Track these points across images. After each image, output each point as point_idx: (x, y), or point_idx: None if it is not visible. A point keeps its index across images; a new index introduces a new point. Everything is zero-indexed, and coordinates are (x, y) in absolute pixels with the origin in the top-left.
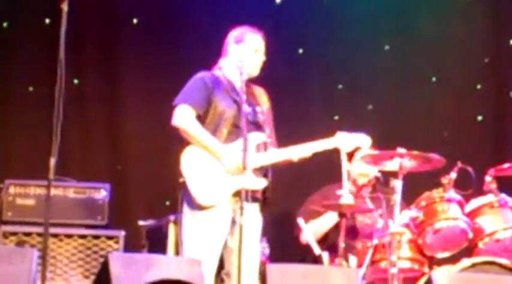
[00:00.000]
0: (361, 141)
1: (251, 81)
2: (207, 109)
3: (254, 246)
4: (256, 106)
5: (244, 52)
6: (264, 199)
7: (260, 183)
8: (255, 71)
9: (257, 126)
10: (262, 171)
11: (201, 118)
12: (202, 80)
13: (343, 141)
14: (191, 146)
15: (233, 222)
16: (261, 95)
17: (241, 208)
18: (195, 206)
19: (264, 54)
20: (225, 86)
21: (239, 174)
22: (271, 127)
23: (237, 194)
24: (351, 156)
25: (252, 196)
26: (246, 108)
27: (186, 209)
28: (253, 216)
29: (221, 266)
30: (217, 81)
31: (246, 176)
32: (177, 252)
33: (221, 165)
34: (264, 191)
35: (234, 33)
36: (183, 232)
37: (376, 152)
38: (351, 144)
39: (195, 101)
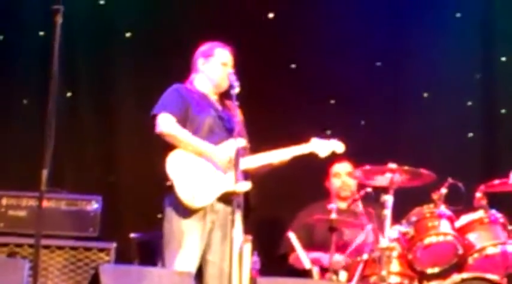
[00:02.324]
0: (335, 146)
1: (225, 95)
2: (185, 117)
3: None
4: (232, 115)
5: (213, 66)
6: (247, 206)
7: (243, 186)
8: (225, 83)
9: (237, 134)
10: (243, 176)
11: (181, 126)
12: (177, 91)
13: (318, 146)
14: (177, 150)
15: (210, 234)
16: (234, 108)
17: (233, 221)
18: (181, 211)
19: (232, 68)
20: (199, 97)
21: (232, 169)
22: (247, 139)
23: (221, 198)
24: (328, 173)
25: (232, 199)
26: (224, 116)
27: (170, 215)
28: (238, 225)
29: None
30: (191, 92)
31: (230, 179)
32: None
33: (207, 167)
34: (247, 197)
35: (203, 49)
36: (165, 239)
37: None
38: (326, 149)
39: (174, 109)
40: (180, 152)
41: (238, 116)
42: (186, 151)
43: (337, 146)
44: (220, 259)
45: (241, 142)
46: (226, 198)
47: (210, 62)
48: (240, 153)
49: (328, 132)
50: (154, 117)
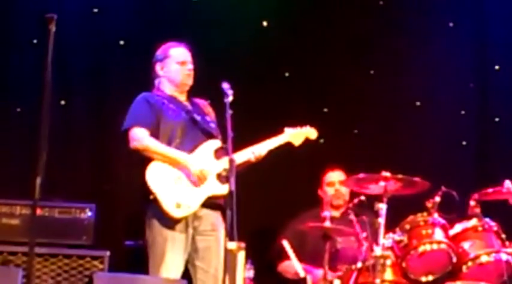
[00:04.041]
0: (308, 133)
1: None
2: (157, 125)
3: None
4: (204, 115)
5: (171, 67)
6: (226, 204)
7: (225, 188)
8: (189, 81)
9: (209, 134)
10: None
11: (154, 134)
12: (145, 99)
13: (292, 135)
14: (153, 163)
15: (193, 239)
16: (206, 106)
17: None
18: (164, 220)
19: (192, 63)
20: (169, 101)
21: (205, 180)
22: (221, 136)
23: (204, 204)
24: (321, 182)
25: (216, 204)
26: (197, 117)
27: (153, 224)
28: (218, 227)
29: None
30: (159, 97)
31: (211, 184)
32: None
33: (186, 175)
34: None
35: (158, 52)
36: (149, 248)
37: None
38: (299, 136)
39: (145, 120)
40: (157, 164)
41: (210, 114)
42: (162, 162)
43: (311, 132)
44: (207, 264)
45: (216, 143)
46: (209, 203)
47: (167, 64)
48: (218, 153)
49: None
50: (125, 131)
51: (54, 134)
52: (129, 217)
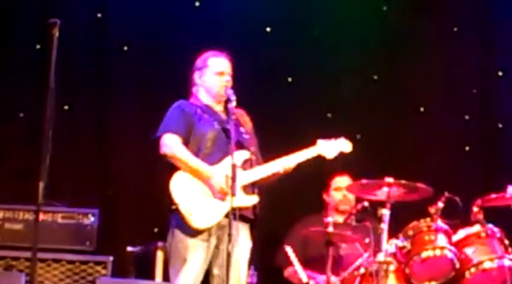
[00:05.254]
0: (342, 145)
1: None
2: (189, 133)
3: (241, 271)
4: (239, 126)
5: (208, 77)
6: (255, 217)
7: (251, 200)
8: (224, 92)
9: (241, 145)
10: (251, 188)
11: (185, 143)
12: (180, 107)
13: (325, 148)
14: (179, 172)
15: (217, 248)
16: (243, 116)
17: (230, 235)
18: (187, 229)
19: (231, 72)
20: (203, 110)
21: (226, 195)
22: (256, 147)
23: (228, 214)
24: (328, 186)
25: (241, 215)
26: (229, 128)
27: (176, 232)
28: (242, 239)
29: None
30: (195, 106)
31: (236, 195)
32: (166, 279)
33: (209, 187)
34: (254, 209)
35: (197, 61)
36: (170, 255)
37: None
38: (333, 150)
39: (178, 128)
40: (182, 174)
41: (246, 125)
42: (187, 172)
43: (345, 145)
44: (224, 273)
45: (244, 154)
46: (233, 213)
47: (205, 73)
48: (246, 164)
49: None
50: (158, 138)
51: (57, 139)
52: (132, 223)
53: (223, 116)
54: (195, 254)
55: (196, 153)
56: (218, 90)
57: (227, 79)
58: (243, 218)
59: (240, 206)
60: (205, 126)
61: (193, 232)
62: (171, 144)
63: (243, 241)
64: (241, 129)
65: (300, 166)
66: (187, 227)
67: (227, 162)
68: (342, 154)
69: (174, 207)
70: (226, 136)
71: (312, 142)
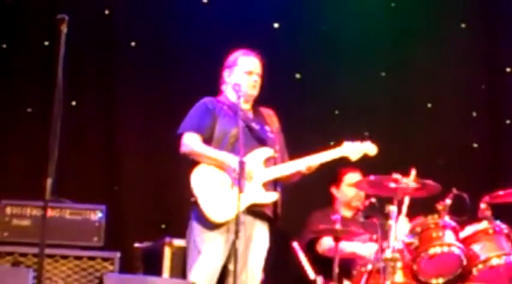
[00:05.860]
0: (368, 148)
1: (258, 103)
2: (212, 130)
3: (255, 269)
4: (265, 125)
5: (237, 76)
6: (275, 216)
7: (270, 197)
8: (253, 91)
9: (265, 143)
10: (272, 186)
11: (207, 140)
12: (204, 105)
13: (351, 149)
14: (200, 165)
15: (234, 244)
16: (270, 116)
17: (237, 232)
18: (205, 223)
19: (261, 72)
20: (228, 108)
21: (250, 179)
22: (282, 146)
23: (247, 210)
24: (339, 181)
25: (260, 212)
26: (254, 126)
27: (194, 226)
28: (259, 238)
29: None
30: (220, 104)
31: (256, 191)
32: (183, 275)
33: (231, 181)
34: (275, 207)
35: (228, 59)
36: (188, 248)
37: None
38: (358, 152)
39: (199, 126)
40: (204, 167)
41: (273, 124)
42: (209, 165)
43: (370, 148)
44: (240, 269)
45: (267, 152)
46: (253, 210)
47: (234, 72)
48: (268, 162)
49: (332, 143)
50: (179, 136)
51: (65, 135)
52: (140, 219)
53: (250, 114)
54: (211, 248)
55: (219, 150)
56: (246, 89)
57: (255, 79)
58: (262, 216)
59: (258, 202)
60: (230, 123)
61: (211, 226)
62: (189, 142)
63: (259, 239)
64: (267, 128)
65: (322, 166)
66: (205, 220)
67: (251, 156)
68: (366, 157)
69: (193, 199)
70: (251, 135)
71: (323, 142)
